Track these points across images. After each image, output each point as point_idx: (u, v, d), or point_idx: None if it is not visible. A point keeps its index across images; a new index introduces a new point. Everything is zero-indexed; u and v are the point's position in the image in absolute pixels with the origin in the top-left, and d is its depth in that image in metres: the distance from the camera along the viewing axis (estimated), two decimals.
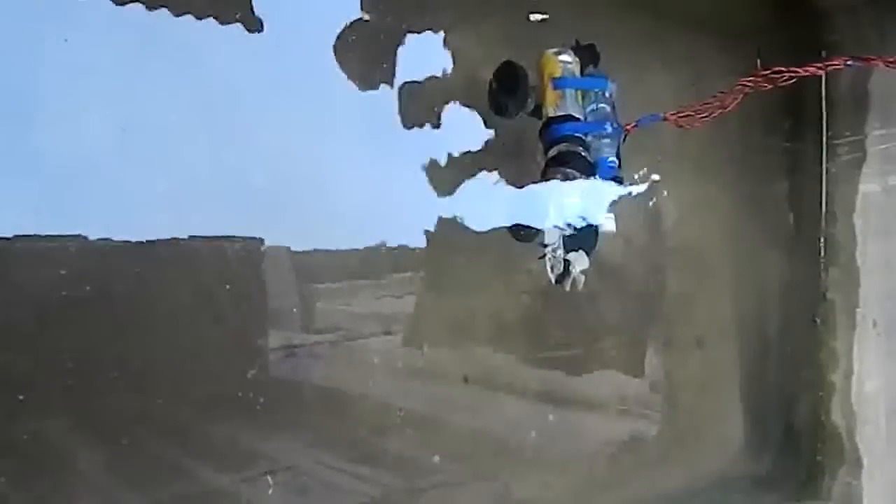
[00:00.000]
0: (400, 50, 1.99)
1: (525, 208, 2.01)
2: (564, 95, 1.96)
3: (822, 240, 2.94)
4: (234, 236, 1.73)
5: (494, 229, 2.14)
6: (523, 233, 2.00)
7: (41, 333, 1.49)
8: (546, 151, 1.97)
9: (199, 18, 1.66)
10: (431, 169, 2.06)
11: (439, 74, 2.07)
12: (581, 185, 1.93)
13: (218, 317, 1.73)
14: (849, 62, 2.09)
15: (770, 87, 2.05)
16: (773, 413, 2.94)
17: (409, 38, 2.01)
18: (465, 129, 2.12)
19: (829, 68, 2.14)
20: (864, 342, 2.84)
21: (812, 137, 2.92)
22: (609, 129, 1.96)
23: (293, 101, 1.83)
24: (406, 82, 1.99)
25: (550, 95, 1.97)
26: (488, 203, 2.15)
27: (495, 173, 2.16)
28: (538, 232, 1.96)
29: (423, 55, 2.03)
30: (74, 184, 1.53)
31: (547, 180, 1.95)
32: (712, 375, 2.78)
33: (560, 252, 1.96)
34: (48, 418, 1.49)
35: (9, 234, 1.45)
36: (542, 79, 1.99)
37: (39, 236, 1.47)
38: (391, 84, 1.97)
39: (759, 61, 2.08)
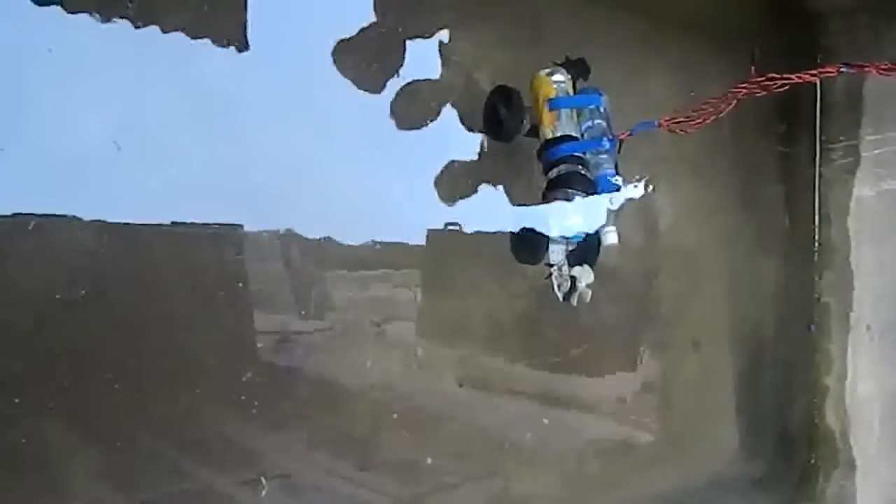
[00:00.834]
0: (399, 50, 1.99)
1: (527, 230, 2.02)
2: (560, 115, 1.97)
3: (816, 243, 2.97)
4: (229, 233, 1.72)
5: (491, 231, 2.15)
6: (527, 255, 2.02)
7: (36, 334, 1.49)
8: (546, 172, 1.99)
9: (198, 17, 1.66)
10: (428, 169, 2.07)
11: (437, 75, 2.08)
12: (582, 202, 1.95)
13: (213, 317, 1.72)
14: (842, 69, 2.10)
15: (764, 93, 2.06)
16: (767, 415, 2.96)
17: (409, 38, 2.01)
18: (463, 129, 2.12)
19: (823, 75, 2.16)
20: (857, 345, 2.87)
21: (807, 142, 2.94)
22: (606, 145, 1.97)
23: (292, 99, 1.83)
24: (405, 82, 1.99)
25: (546, 117, 1.98)
26: (486, 204, 2.16)
27: (493, 173, 2.17)
28: (543, 253, 1.98)
29: (422, 56, 2.03)
30: (70, 182, 1.51)
31: (549, 202, 1.97)
32: (707, 378, 2.79)
33: (565, 269, 1.98)
34: (42, 419, 1.49)
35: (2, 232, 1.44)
36: (536, 101, 2.00)
37: (33, 233, 1.47)
38: (390, 83, 1.97)
39: (753, 67, 2.10)
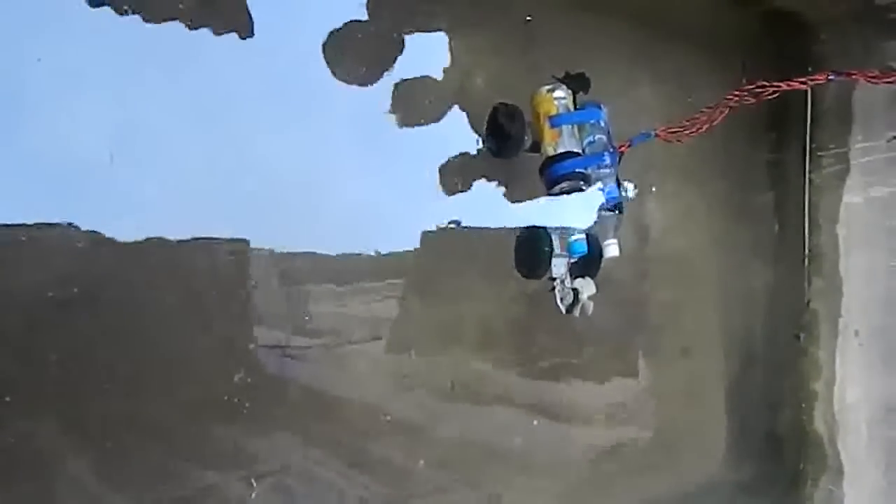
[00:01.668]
0: (394, 54, 2.00)
1: (529, 245, 2.04)
2: (562, 132, 1.98)
3: (806, 250, 2.99)
4: (223, 239, 1.73)
5: (484, 236, 2.16)
6: (531, 270, 2.03)
7: (28, 336, 1.49)
8: (549, 189, 2.01)
9: (193, 20, 1.66)
10: (423, 174, 2.08)
11: (433, 78, 2.09)
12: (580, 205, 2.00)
13: (206, 320, 1.73)
14: (831, 77, 2.13)
15: (755, 101, 2.09)
16: (756, 421, 2.97)
17: (404, 41, 2.02)
18: (458, 134, 2.13)
19: (813, 83, 2.18)
20: (846, 351, 2.88)
21: (796, 149, 2.96)
22: (608, 160, 1.98)
23: (285, 104, 1.84)
24: (399, 86, 2.00)
25: (548, 134, 1.98)
26: (482, 207, 2.17)
27: (489, 177, 2.18)
28: (547, 268, 2.00)
29: (417, 59, 2.04)
30: (63, 185, 1.52)
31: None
32: (697, 384, 2.80)
33: (568, 282, 1.99)
34: (34, 421, 1.49)
35: None
36: (537, 117, 2.01)
37: (26, 237, 1.47)
38: (384, 88, 1.98)
39: (744, 78, 2.12)
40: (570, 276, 2.01)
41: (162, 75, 1.65)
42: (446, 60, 2.09)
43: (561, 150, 1.96)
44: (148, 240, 1.61)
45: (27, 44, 1.48)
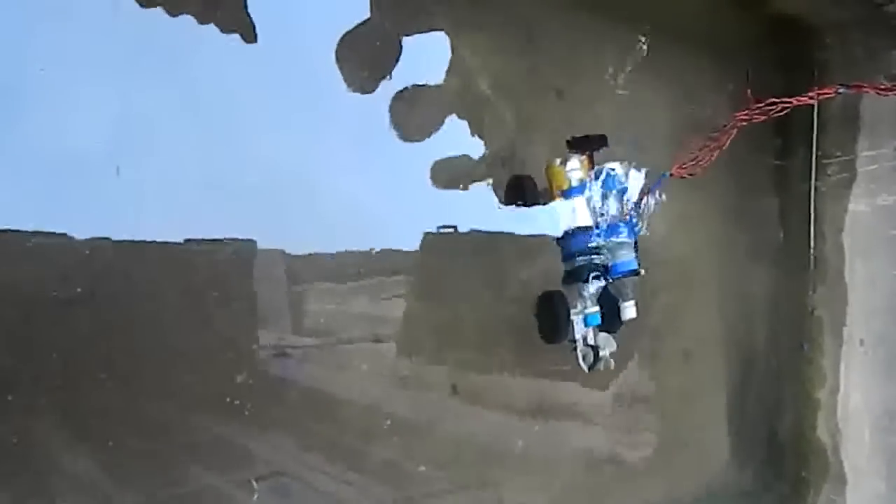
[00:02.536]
0: (396, 54, 2.01)
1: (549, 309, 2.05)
2: (575, 205, 2.00)
3: (811, 257, 2.97)
4: (224, 238, 1.74)
5: (486, 237, 2.16)
6: (553, 334, 2.05)
7: (31, 335, 1.50)
8: (564, 261, 2.04)
9: (194, 17, 1.67)
10: (424, 174, 2.08)
11: (434, 80, 2.10)
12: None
13: (207, 318, 1.74)
14: (840, 90, 2.12)
15: (764, 119, 2.08)
16: (758, 427, 2.96)
17: (405, 42, 2.03)
18: (459, 135, 2.14)
19: (822, 97, 2.18)
20: (850, 359, 2.87)
21: (802, 155, 2.95)
22: (624, 231, 2.00)
23: (287, 102, 1.84)
24: (401, 87, 2.01)
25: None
26: (482, 207, 2.17)
27: (488, 177, 2.19)
28: (568, 330, 2.01)
29: (419, 60, 2.05)
30: (63, 182, 1.53)
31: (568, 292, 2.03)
32: (698, 388, 2.80)
33: (590, 339, 2.01)
34: (35, 419, 1.50)
35: None
36: (550, 187, 2.03)
37: (27, 234, 1.48)
38: (386, 88, 1.99)
39: (749, 90, 2.12)
40: (593, 335, 2.04)
41: (163, 73, 1.66)
42: (447, 61, 2.09)
43: (574, 224, 1.99)
44: (150, 240, 1.62)
45: (28, 39, 1.49)
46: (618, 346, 2.04)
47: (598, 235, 1.99)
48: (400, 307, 2.05)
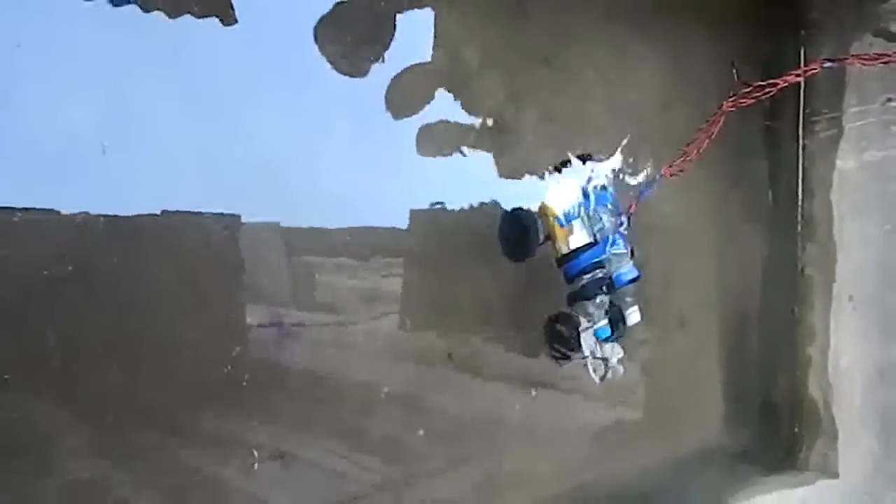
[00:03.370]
0: (387, 30, 1.99)
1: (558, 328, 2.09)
2: (572, 228, 2.02)
3: (800, 216, 2.99)
4: (218, 213, 1.73)
5: (482, 211, 2.16)
6: (563, 356, 2.09)
7: (25, 313, 1.49)
8: (569, 283, 2.06)
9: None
10: (416, 149, 2.07)
11: (424, 56, 2.07)
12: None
13: (202, 294, 1.73)
14: (825, 64, 2.14)
15: (752, 103, 2.10)
16: (752, 388, 3.00)
17: (396, 18, 2.00)
18: (450, 111, 2.12)
19: (808, 74, 2.20)
20: (840, 318, 2.90)
21: (790, 115, 2.96)
22: (620, 241, 2.04)
23: (278, 80, 1.83)
24: (391, 63, 1.99)
25: (559, 233, 2.03)
26: (473, 182, 2.16)
27: (481, 151, 2.18)
28: (578, 348, 2.05)
29: (409, 36, 2.02)
30: (56, 161, 1.51)
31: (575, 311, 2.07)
32: (694, 353, 2.82)
33: (598, 351, 2.05)
34: (32, 398, 1.50)
35: None
36: (546, 221, 2.04)
37: (20, 212, 1.46)
38: (377, 65, 1.97)
39: (735, 72, 2.12)
40: (600, 346, 2.07)
41: (153, 54, 1.63)
42: (433, 37, 2.07)
43: (574, 245, 2.02)
44: (143, 214, 1.61)
45: (13, 20, 1.47)
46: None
47: (600, 250, 2.03)
48: (397, 281, 2.05)
